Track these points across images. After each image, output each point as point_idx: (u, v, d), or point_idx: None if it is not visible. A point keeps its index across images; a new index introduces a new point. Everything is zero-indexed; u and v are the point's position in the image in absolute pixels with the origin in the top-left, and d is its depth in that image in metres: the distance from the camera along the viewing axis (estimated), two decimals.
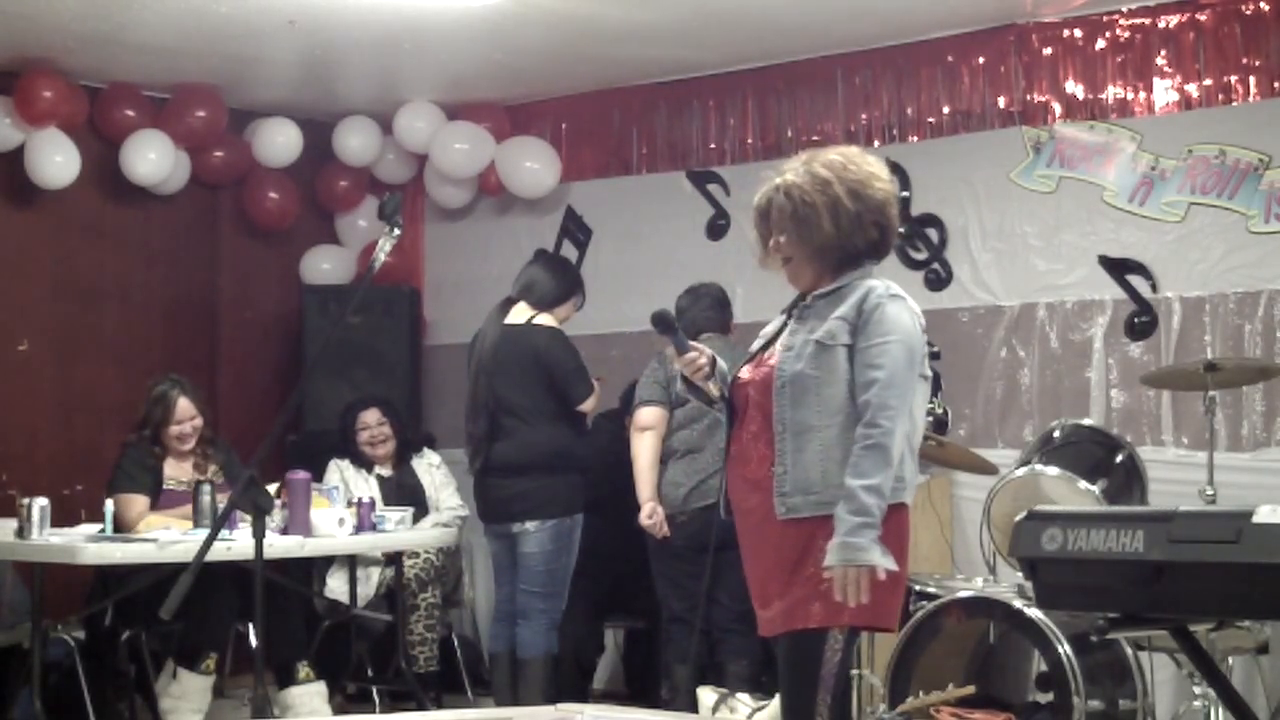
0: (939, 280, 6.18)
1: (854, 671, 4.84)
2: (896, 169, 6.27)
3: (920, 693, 4.47)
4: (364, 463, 6.44)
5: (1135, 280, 5.72)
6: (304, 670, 5.50)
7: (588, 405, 5.48)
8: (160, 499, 5.59)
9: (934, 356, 5.88)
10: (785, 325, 3.50)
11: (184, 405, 5.64)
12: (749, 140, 6.70)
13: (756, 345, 3.53)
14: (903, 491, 3.34)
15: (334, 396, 6.94)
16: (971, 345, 6.08)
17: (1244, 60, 5.55)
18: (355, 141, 7.30)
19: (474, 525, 6.14)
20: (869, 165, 3.42)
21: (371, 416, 6.46)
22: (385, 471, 6.47)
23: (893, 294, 3.37)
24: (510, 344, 5.44)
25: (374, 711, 6.10)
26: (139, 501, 5.50)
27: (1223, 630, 4.07)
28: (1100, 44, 5.84)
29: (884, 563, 3.19)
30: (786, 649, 3.37)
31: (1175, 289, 5.64)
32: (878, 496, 3.20)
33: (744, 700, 4.93)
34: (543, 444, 5.39)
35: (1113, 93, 5.83)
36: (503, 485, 5.40)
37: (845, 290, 3.39)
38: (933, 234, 6.21)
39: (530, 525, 5.37)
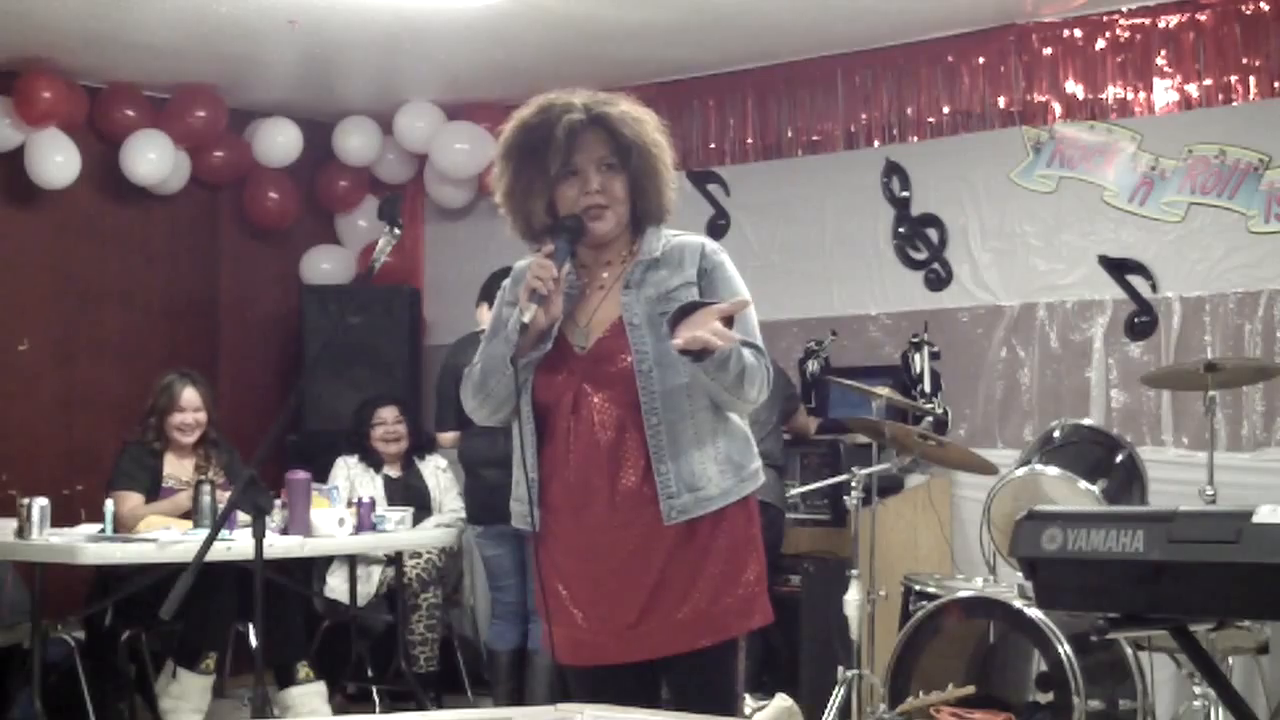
0: (939, 280, 6.18)
1: (854, 671, 4.86)
2: (896, 169, 6.30)
3: (920, 693, 4.47)
4: (373, 461, 6.44)
5: (1135, 280, 5.72)
6: (304, 670, 5.50)
7: None
8: (160, 496, 5.60)
9: (934, 356, 5.95)
10: (582, 291, 3.05)
11: (189, 395, 5.65)
12: (749, 140, 6.70)
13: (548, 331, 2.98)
14: (760, 473, 3.08)
15: (334, 396, 6.95)
16: (971, 345, 6.08)
17: (1244, 60, 5.56)
18: (355, 141, 7.30)
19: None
20: None
21: (389, 413, 6.47)
22: (393, 473, 6.47)
23: (721, 248, 3.08)
24: None
25: (374, 711, 6.10)
26: (132, 498, 5.51)
27: (1223, 630, 4.07)
28: (1100, 44, 5.84)
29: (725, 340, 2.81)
30: (698, 667, 3.01)
31: (1175, 289, 5.64)
32: (737, 370, 2.85)
33: (744, 700, 4.93)
34: None
35: (1113, 93, 5.83)
36: None
37: (670, 252, 3.04)
38: (933, 234, 6.21)
39: None
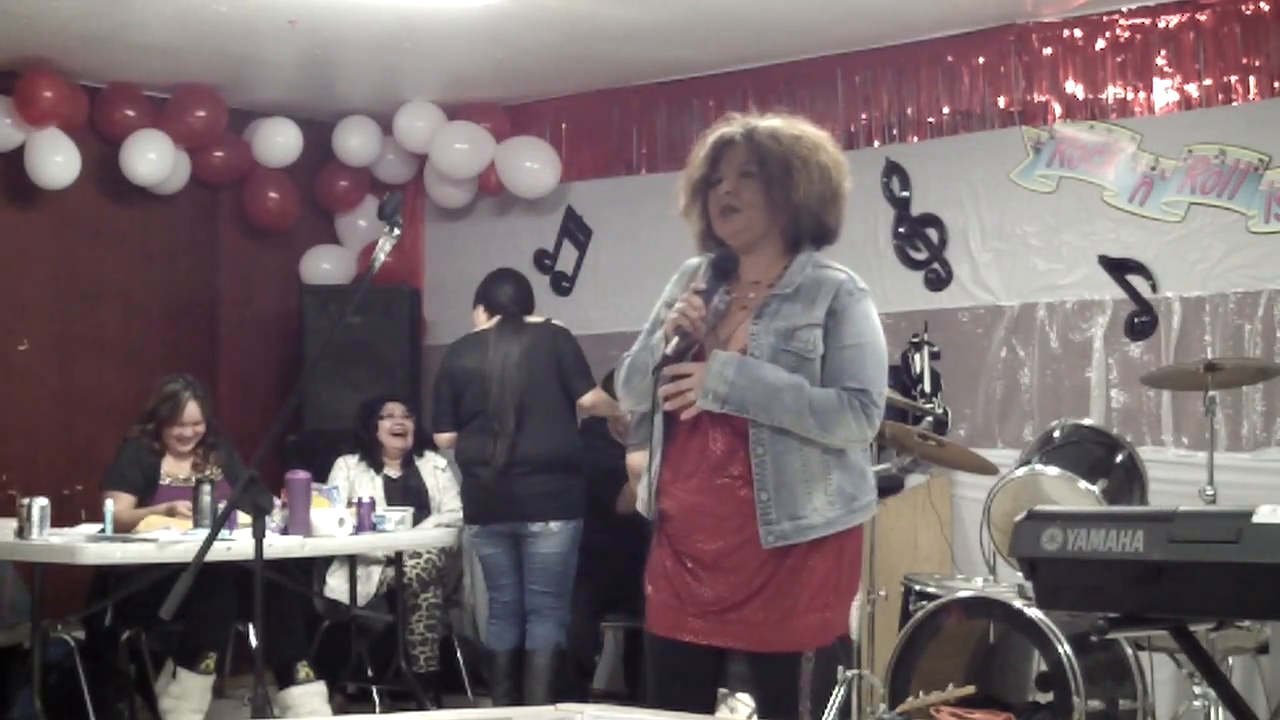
0: (939, 280, 6.18)
1: (854, 671, 4.86)
2: (896, 169, 6.30)
3: (920, 693, 4.47)
4: (373, 461, 6.44)
5: (1135, 280, 5.72)
6: (304, 670, 5.50)
7: (587, 400, 5.63)
8: (157, 495, 5.62)
9: (934, 356, 5.94)
10: (727, 309, 3.22)
11: (192, 409, 5.67)
12: None
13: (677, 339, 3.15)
14: (874, 504, 3.29)
15: (334, 396, 6.95)
16: (971, 345, 6.08)
17: (1244, 60, 5.55)
18: (355, 141, 7.30)
19: None
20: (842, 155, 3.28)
21: (398, 408, 6.51)
22: (393, 472, 6.48)
23: (862, 288, 3.19)
24: (537, 342, 5.62)
25: (374, 711, 6.10)
26: (124, 499, 5.52)
27: (1223, 630, 4.07)
28: (1100, 44, 5.84)
29: (703, 404, 3.09)
30: (770, 667, 3.22)
31: (1175, 289, 5.64)
32: (797, 413, 3.05)
33: (744, 700, 4.93)
34: (566, 441, 5.55)
35: (1113, 93, 5.83)
36: (528, 482, 5.49)
37: (810, 288, 3.16)
38: (933, 234, 6.21)
39: (554, 525, 5.51)
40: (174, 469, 5.70)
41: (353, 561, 6.14)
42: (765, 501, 3.10)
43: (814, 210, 3.19)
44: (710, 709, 3.29)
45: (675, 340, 3.11)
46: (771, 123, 3.21)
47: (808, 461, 3.12)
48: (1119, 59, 5.81)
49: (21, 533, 5.03)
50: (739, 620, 3.18)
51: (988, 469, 5.09)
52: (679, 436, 3.22)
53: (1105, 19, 5.82)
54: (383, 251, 3.83)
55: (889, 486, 5.60)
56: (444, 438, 5.84)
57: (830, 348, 3.13)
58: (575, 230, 7.20)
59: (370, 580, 6.25)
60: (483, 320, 5.80)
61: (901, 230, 6.28)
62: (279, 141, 7.14)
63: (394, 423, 6.46)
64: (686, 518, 3.21)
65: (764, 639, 3.18)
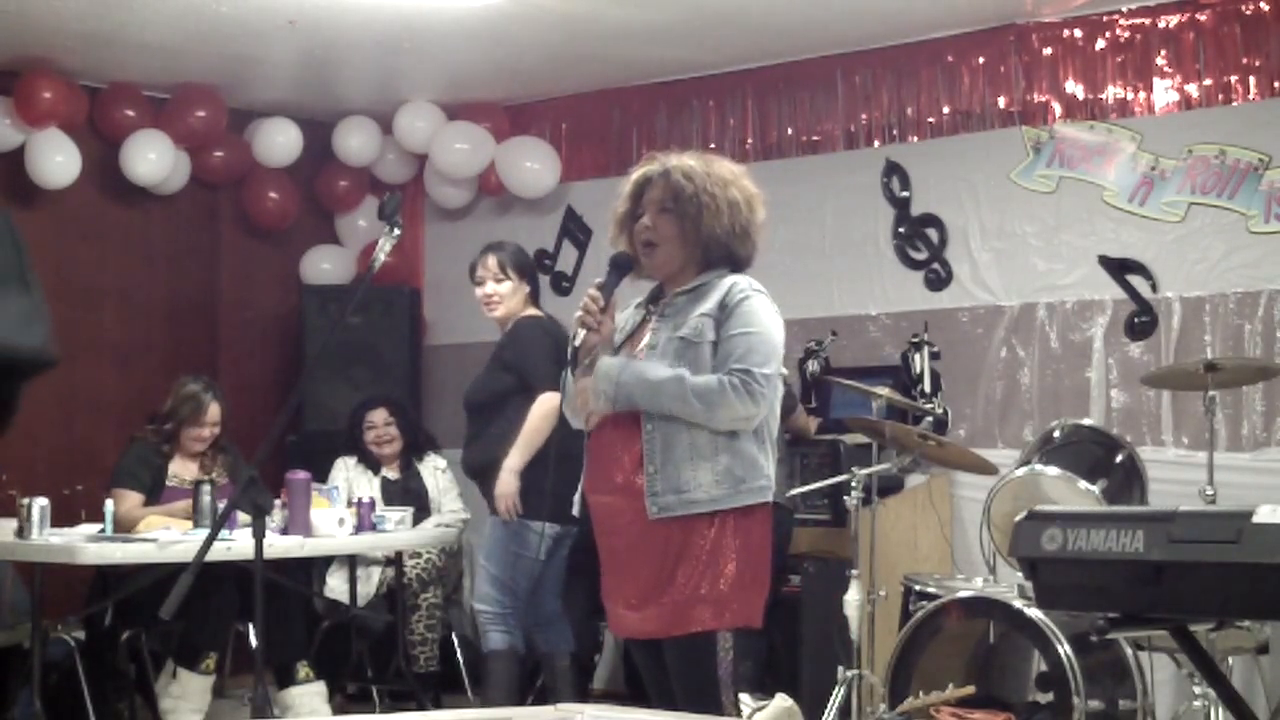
0: (939, 280, 6.18)
1: (854, 671, 4.86)
2: (896, 169, 6.30)
3: (920, 693, 4.47)
4: (371, 463, 6.43)
5: (1135, 280, 5.72)
6: (304, 670, 5.50)
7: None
8: (163, 495, 5.62)
9: (934, 356, 5.94)
10: (643, 320, 3.55)
11: (214, 411, 5.68)
12: (749, 140, 6.70)
13: (616, 340, 3.55)
14: (767, 490, 3.43)
15: (334, 396, 6.95)
16: (971, 345, 6.08)
17: (1244, 60, 5.55)
18: (355, 141, 7.30)
19: (475, 526, 6.15)
20: (756, 188, 3.56)
21: (379, 416, 6.44)
22: (392, 474, 6.45)
23: (756, 289, 3.45)
24: None
25: (374, 711, 6.10)
26: (132, 498, 5.54)
27: (1223, 630, 4.07)
28: (1100, 44, 5.84)
29: (597, 406, 3.40)
30: (678, 653, 3.44)
31: (1175, 289, 5.64)
32: (680, 399, 3.31)
33: (745, 700, 4.92)
34: None
35: (1113, 93, 5.83)
36: None
37: (706, 287, 3.46)
38: (933, 234, 6.21)
39: (574, 529, 5.33)
40: (181, 470, 5.70)
41: (353, 561, 6.13)
42: (652, 475, 3.36)
43: (723, 243, 3.47)
44: (674, 700, 3.44)
45: (582, 334, 3.43)
46: (688, 161, 3.51)
47: (696, 441, 3.36)
48: (1119, 59, 5.81)
49: (21, 533, 5.03)
50: (653, 611, 3.42)
51: (988, 469, 5.08)
52: (590, 439, 3.53)
53: (1105, 19, 5.82)
54: (383, 251, 3.83)
55: (889, 486, 5.60)
56: (555, 398, 4.81)
57: (720, 338, 3.39)
58: (575, 230, 7.20)
59: (370, 580, 6.24)
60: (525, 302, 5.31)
61: (901, 230, 6.28)
62: (279, 141, 7.14)
63: (376, 433, 6.42)
64: (601, 506, 3.50)
65: (669, 623, 3.39)
